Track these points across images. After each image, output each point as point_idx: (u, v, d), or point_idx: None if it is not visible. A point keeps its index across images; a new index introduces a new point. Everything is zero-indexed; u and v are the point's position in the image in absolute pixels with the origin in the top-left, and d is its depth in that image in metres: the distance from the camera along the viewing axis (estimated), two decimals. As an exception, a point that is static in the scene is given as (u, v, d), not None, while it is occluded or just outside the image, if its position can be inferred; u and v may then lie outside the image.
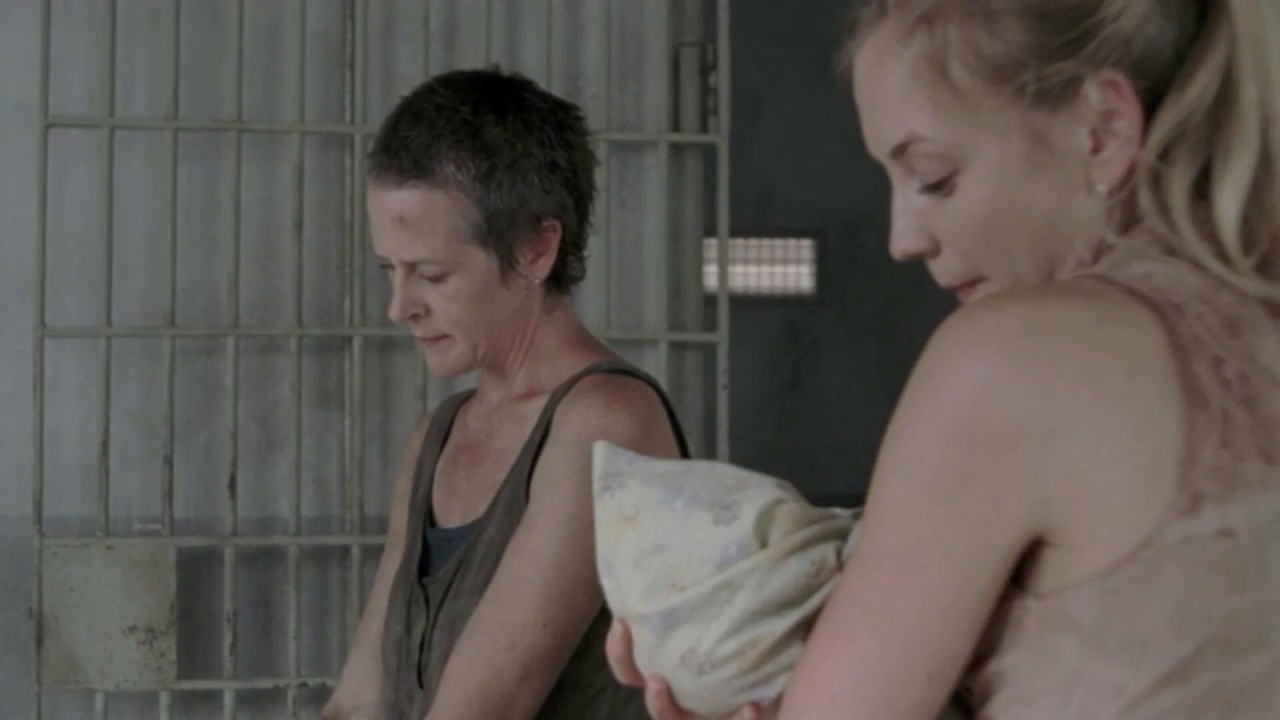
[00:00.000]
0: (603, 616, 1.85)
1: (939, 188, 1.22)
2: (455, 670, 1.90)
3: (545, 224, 1.99)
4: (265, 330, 3.08)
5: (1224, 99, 1.18)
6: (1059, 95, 1.18)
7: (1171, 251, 1.16)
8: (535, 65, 2.98)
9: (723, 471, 1.26)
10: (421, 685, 2.00)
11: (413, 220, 1.94)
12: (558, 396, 1.97)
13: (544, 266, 2.00)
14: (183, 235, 3.02)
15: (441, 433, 2.16)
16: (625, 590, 1.24)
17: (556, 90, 2.17)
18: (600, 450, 1.30)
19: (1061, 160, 1.19)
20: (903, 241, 1.26)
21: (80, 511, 3.00)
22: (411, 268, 1.97)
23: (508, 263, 1.98)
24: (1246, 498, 1.09)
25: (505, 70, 2.07)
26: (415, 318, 1.99)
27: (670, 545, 1.22)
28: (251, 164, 3.06)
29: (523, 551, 1.91)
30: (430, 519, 2.10)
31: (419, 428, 2.23)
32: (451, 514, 2.07)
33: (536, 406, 2.00)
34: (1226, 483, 1.09)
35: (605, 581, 1.27)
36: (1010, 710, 1.13)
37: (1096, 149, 1.19)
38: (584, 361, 2.01)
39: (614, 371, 2.00)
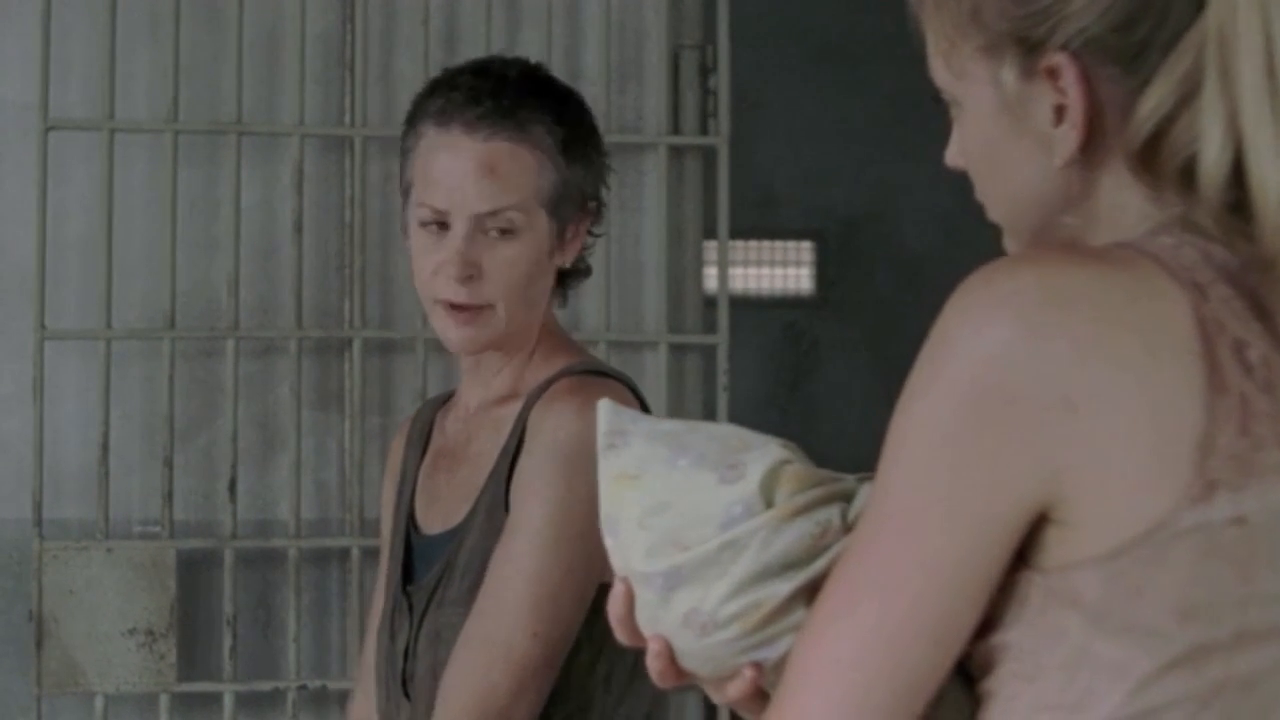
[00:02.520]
0: (590, 620, 1.87)
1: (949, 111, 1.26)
2: (449, 688, 1.89)
3: (589, 207, 2.03)
4: (265, 332, 3.07)
5: (1197, 101, 1.14)
6: (1025, 63, 1.18)
7: (1204, 226, 1.14)
8: (535, 67, 2.97)
9: (727, 431, 1.25)
10: (407, 695, 1.99)
11: (503, 170, 1.95)
12: (531, 401, 1.96)
13: (571, 253, 2.03)
14: (182, 238, 3.02)
15: (422, 437, 2.14)
16: (628, 549, 1.23)
17: (556, 92, 2.17)
18: (604, 408, 1.28)
19: (1034, 125, 1.19)
20: (949, 155, 1.29)
21: (80, 514, 2.99)
22: (480, 222, 1.95)
23: (559, 237, 2.00)
24: (1262, 486, 1.08)
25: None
26: (469, 279, 1.96)
27: (674, 504, 1.21)
28: (251, 166, 3.06)
29: (506, 562, 1.90)
30: (414, 524, 2.08)
31: (400, 433, 2.21)
32: (433, 520, 2.06)
33: (512, 411, 1.99)
34: (1243, 470, 1.07)
35: (608, 540, 1.25)
36: (1011, 685, 1.12)
37: (1059, 123, 1.18)
38: (560, 363, 2.01)
39: (587, 372, 2.00)
